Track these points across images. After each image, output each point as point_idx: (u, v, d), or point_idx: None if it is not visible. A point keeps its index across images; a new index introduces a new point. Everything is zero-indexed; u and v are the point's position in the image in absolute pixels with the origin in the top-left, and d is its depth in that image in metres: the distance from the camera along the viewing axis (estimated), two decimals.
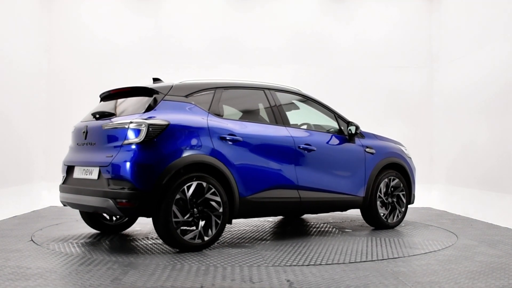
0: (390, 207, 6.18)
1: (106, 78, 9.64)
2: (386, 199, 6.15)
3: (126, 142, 4.57)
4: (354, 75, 10.16)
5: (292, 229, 6.24)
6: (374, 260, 4.40)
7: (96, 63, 9.86)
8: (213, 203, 4.75)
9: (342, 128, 5.92)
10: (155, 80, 5.29)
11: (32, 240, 5.27)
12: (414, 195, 6.47)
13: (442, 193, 9.23)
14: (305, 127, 6.00)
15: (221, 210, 4.77)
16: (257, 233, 5.87)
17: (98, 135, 4.92)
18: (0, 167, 7.88)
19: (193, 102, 4.97)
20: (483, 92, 8.44)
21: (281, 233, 5.90)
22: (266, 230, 6.13)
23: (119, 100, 5.21)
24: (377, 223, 6.12)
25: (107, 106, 5.26)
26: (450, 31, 9.74)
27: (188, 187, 4.62)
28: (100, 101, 5.56)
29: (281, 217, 7.21)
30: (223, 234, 5.78)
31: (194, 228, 4.67)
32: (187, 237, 4.62)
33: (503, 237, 5.63)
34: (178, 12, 10.09)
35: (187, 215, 4.62)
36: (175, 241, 4.59)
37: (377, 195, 6.03)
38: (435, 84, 10.19)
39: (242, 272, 3.94)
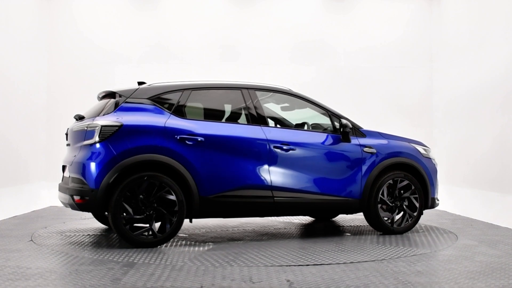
0: (397, 211, 5.76)
1: (106, 78, 9.65)
2: (392, 202, 5.72)
3: (84, 143, 4.96)
4: (354, 75, 10.16)
5: (292, 229, 6.24)
6: (374, 260, 4.40)
7: (96, 63, 9.86)
8: (168, 202, 4.90)
9: (337, 127, 5.68)
10: (140, 84, 5.46)
11: (32, 240, 5.28)
12: (433, 198, 5.95)
13: (442, 193, 9.23)
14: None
15: (176, 208, 4.89)
16: (257, 233, 5.87)
17: (71, 137, 5.35)
18: (0, 167, 7.88)
19: (155, 104, 5.13)
20: (483, 92, 8.45)
21: (281, 234, 5.90)
22: (267, 230, 6.13)
23: (101, 102, 5.45)
24: (380, 228, 5.72)
25: (92, 108, 5.53)
26: (450, 31, 9.75)
27: (139, 185, 4.81)
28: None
29: (310, 218, 7.07)
30: (223, 232, 5.78)
31: (147, 225, 4.87)
32: (137, 233, 4.83)
33: (503, 237, 5.63)
34: (178, 12, 10.09)
35: (139, 212, 4.83)
36: (125, 236, 4.81)
37: (378, 197, 5.63)
38: (435, 84, 10.19)
39: (242, 272, 3.94)
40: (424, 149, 6.05)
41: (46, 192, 8.77)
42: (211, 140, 5.08)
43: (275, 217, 7.02)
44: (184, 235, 5.78)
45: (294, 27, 10.12)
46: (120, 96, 5.13)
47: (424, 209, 5.88)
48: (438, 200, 6.11)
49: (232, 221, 6.78)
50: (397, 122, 9.98)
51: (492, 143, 8.08)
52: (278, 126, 5.81)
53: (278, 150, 5.31)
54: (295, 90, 5.95)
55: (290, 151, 5.35)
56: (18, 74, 8.67)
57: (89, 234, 5.65)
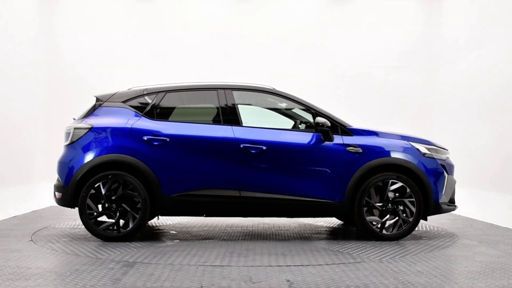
0: (389, 216, 5.34)
1: (106, 78, 9.65)
2: (382, 206, 5.32)
3: (65, 143, 5.47)
4: (354, 75, 10.16)
5: (292, 229, 6.24)
6: (374, 260, 4.40)
7: (96, 63, 9.86)
8: (132, 199, 5.20)
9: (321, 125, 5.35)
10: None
11: (32, 240, 5.28)
12: (437, 203, 5.39)
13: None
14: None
15: (139, 206, 5.17)
16: (256, 233, 5.87)
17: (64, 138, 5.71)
18: (0, 167, 7.88)
19: (128, 107, 5.44)
20: (483, 92, 8.45)
21: (281, 234, 5.90)
22: (267, 230, 6.13)
23: (89, 106, 5.75)
24: (368, 233, 5.34)
25: (83, 111, 5.85)
26: (450, 31, 9.75)
27: (104, 184, 5.17)
28: None
29: (340, 222, 6.80)
30: (222, 232, 5.78)
31: (112, 220, 5.22)
32: (101, 227, 5.19)
33: (503, 237, 5.63)
34: (178, 13, 10.09)
35: (103, 208, 5.20)
36: (91, 230, 5.21)
37: (363, 200, 5.27)
38: (435, 84, 10.19)
39: (242, 272, 3.94)
40: (428, 148, 5.51)
41: (46, 192, 8.76)
42: (177, 140, 5.24)
43: (276, 218, 6.98)
44: (174, 232, 5.82)
45: (294, 28, 10.12)
46: (99, 100, 5.56)
47: (427, 215, 5.43)
48: (449, 205, 5.56)
49: (231, 220, 6.78)
50: (397, 122, 9.97)
51: (492, 143, 8.08)
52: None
53: (247, 150, 5.23)
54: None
55: (260, 151, 5.24)
56: (18, 74, 8.67)
57: (89, 234, 5.65)
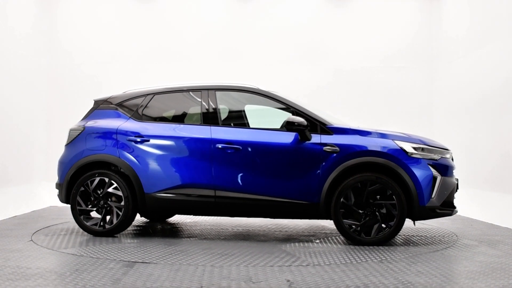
0: (367, 219, 5.01)
1: (107, 78, 9.66)
2: (362, 209, 5.01)
3: (65, 144, 5.85)
4: (354, 75, 10.17)
5: (292, 229, 6.24)
6: (374, 260, 4.40)
7: (96, 63, 9.87)
8: (116, 197, 5.50)
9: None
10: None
11: (32, 240, 5.29)
12: (424, 207, 4.97)
13: None
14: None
15: (122, 203, 5.45)
16: (256, 233, 5.87)
17: None
18: (0, 167, 7.88)
19: (119, 109, 5.77)
20: (483, 92, 8.45)
21: (281, 234, 5.90)
22: (267, 230, 6.13)
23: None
24: (346, 237, 5.12)
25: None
26: (450, 31, 9.75)
27: (92, 182, 5.50)
28: None
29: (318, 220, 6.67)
30: (222, 232, 5.79)
31: (99, 216, 5.54)
32: (89, 223, 5.52)
33: (503, 237, 5.63)
34: (178, 13, 10.09)
35: (91, 205, 5.53)
36: (80, 225, 5.56)
37: (339, 202, 5.01)
38: (435, 84, 10.19)
39: (242, 272, 3.94)
40: (415, 148, 5.09)
41: (46, 192, 8.77)
42: (156, 140, 5.47)
43: (277, 218, 6.96)
44: (173, 230, 5.82)
45: (294, 28, 10.12)
46: (95, 103, 5.90)
47: (414, 219, 5.14)
48: (441, 209, 5.09)
49: (231, 220, 6.79)
50: (397, 122, 9.98)
51: (492, 143, 8.08)
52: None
53: (221, 150, 5.28)
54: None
55: (236, 151, 5.25)
56: (18, 74, 8.68)
57: (89, 234, 5.65)
